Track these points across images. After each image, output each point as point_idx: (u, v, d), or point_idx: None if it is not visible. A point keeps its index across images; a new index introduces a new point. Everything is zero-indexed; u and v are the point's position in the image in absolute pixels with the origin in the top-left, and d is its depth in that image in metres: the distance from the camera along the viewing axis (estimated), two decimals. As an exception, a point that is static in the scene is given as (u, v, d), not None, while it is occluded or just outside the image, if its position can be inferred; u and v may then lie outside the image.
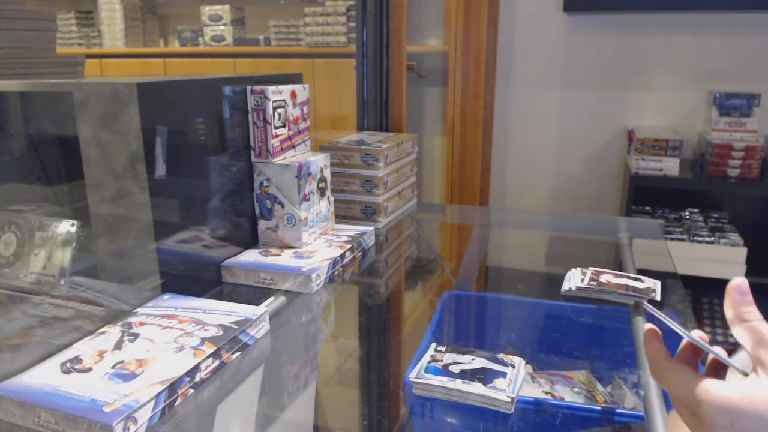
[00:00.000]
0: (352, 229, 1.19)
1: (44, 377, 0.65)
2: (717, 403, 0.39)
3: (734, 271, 2.18)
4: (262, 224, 1.09)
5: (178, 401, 0.66)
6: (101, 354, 0.70)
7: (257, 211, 1.08)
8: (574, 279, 0.95)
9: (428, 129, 2.89)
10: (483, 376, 0.63)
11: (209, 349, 0.72)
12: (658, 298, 0.87)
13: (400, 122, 1.68)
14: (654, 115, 2.58)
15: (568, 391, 0.74)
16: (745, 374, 0.41)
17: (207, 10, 3.35)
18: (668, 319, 0.46)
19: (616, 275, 0.95)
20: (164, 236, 0.87)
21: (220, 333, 0.75)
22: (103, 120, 0.82)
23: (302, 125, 1.13)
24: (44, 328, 0.80)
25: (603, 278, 0.93)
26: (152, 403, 0.62)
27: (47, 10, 1.11)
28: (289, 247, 1.08)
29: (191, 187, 0.93)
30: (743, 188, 2.27)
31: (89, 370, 0.67)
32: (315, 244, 1.09)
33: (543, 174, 2.81)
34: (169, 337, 0.74)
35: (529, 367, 0.81)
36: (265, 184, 1.06)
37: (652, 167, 2.31)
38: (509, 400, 0.58)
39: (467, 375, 0.63)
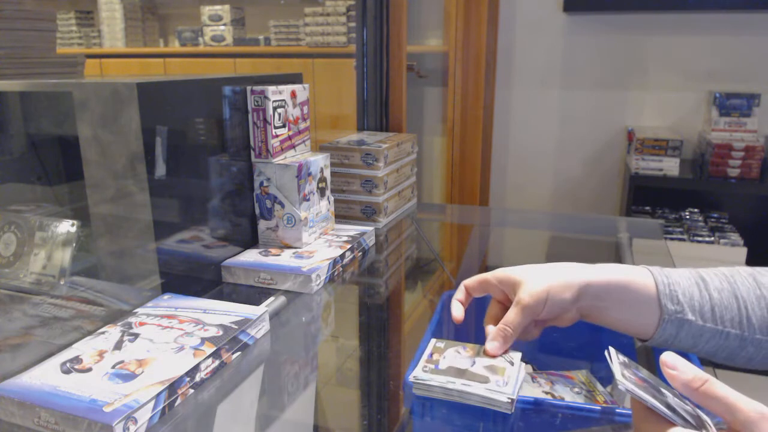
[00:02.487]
0: (352, 229, 1.19)
1: (44, 377, 0.65)
2: None
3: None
4: (262, 224, 1.09)
5: (178, 401, 0.66)
6: (101, 354, 0.70)
7: (257, 211, 1.08)
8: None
9: (428, 129, 2.89)
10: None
11: (209, 349, 0.72)
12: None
13: (400, 122, 1.68)
14: (654, 115, 2.58)
15: (568, 391, 0.74)
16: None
17: (207, 10, 3.35)
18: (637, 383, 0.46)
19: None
20: (164, 236, 0.87)
21: (220, 333, 0.75)
22: (103, 120, 0.82)
23: (302, 125, 1.13)
24: (44, 328, 0.80)
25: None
26: (152, 403, 0.62)
27: (47, 10, 1.11)
28: (289, 247, 1.08)
29: (191, 187, 0.93)
30: (743, 188, 2.27)
31: (89, 370, 0.67)
32: (315, 244, 1.09)
33: (543, 174, 2.81)
34: (169, 337, 0.74)
35: (529, 367, 0.81)
36: (265, 184, 1.06)
37: (652, 167, 2.31)
38: (509, 400, 0.58)
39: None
